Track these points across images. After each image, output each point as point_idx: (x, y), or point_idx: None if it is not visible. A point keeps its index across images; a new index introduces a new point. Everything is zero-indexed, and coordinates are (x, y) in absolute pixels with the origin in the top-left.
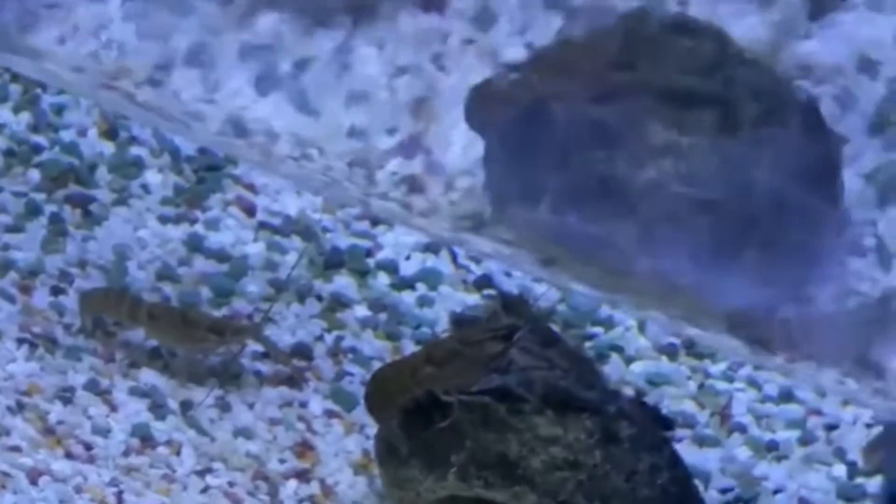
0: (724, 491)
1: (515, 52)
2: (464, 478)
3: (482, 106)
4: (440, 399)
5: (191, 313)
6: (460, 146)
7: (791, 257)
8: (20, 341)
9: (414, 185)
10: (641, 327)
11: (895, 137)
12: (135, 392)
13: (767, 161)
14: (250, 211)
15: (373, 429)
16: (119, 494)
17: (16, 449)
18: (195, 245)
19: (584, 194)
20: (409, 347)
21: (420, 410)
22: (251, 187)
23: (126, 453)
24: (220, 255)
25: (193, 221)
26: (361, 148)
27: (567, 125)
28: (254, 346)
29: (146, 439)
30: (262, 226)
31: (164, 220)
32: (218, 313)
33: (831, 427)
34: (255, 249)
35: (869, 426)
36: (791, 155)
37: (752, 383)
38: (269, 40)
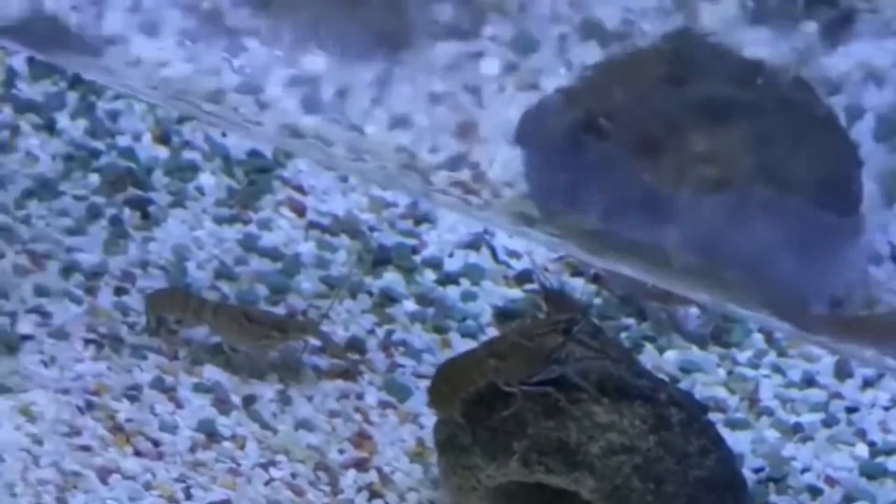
0: (756, 470)
1: (555, 80)
2: (525, 464)
3: (532, 125)
4: (503, 389)
5: (253, 312)
6: (501, 163)
7: (819, 262)
8: (87, 342)
9: (466, 188)
10: (671, 318)
11: None
12: (199, 388)
13: (795, 169)
14: (300, 211)
15: (426, 418)
16: (187, 490)
17: (86, 448)
18: (249, 245)
19: (629, 205)
20: (457, 340)
21: (482, 401)
22: (300, 188)
23: (192, 449)
24: (274, 254)
25: (247, 222)
26: (410, 160)
27: (613, 138)
28: (313, 341)
29: (211, 434)
30: (312, 225)
31: (219, 220)
32: (275, 310)
33: (852, 410)
34: (306, 248)
35: (887, 409)
36: (814, 163)
37: (777, 370)
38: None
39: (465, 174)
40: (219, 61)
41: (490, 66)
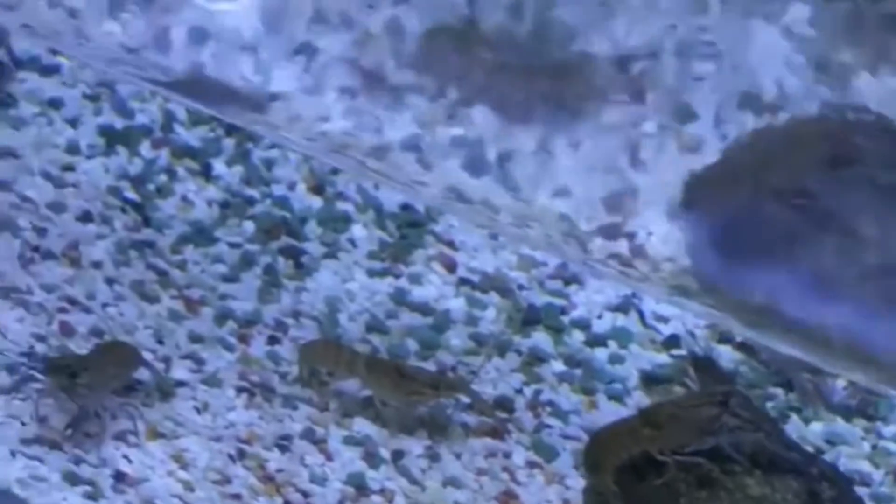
0: None
1: (714, 151)
2: None
3: (696, 196)
4: (656, 458)
5: (406, 367)
6: (660, 236)
7: None
8: (239, 390)
9: (623, 261)
10: (818, 390)
11: None
12: (349, 441)
13: None
14: (451, 267)
15: (573, 480)
16: None
17: (237, 497)
18: (400, 298)
19: (794, 284)
20: (603, 402)
21: (635, 469)
22: (451, 244)
23: (341, 502)
24: (424, 309)
25: (398, 276)
26: (571, 229)
27: (777, 217)
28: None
29: (361, 488)
30: (462, 282)
31: (371, 273)
32: (425, 365)
33: None
34: (457, 304)
35: None
36: None
37: None
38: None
39: (623, 245)
40: (381, 119)
41: (650, 134)
